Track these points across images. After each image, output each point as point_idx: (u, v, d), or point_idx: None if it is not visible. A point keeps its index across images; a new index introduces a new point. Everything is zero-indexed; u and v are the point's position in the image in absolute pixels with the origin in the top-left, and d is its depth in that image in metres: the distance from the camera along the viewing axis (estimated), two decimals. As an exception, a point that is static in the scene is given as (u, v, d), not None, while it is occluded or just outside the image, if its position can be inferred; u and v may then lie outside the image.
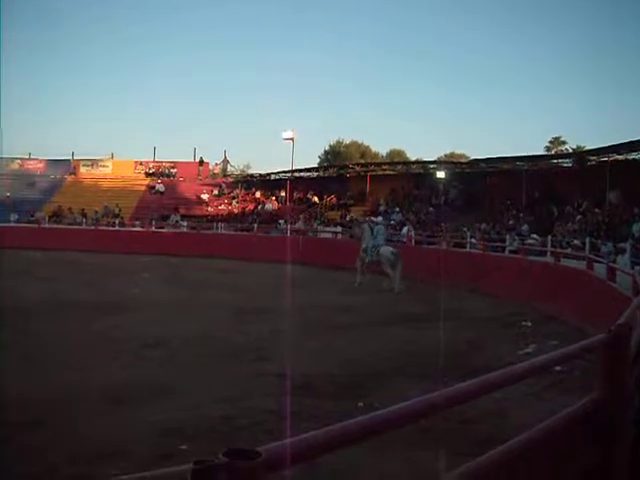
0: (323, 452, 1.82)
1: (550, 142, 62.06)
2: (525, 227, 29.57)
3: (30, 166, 54.00)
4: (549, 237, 23.32)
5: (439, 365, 9.35)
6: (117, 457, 6.59)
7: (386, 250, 22.91)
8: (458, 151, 67.62)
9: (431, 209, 36.99)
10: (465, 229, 30.32)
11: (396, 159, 63.40)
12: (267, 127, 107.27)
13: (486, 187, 36.03)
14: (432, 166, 40.88)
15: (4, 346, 11.85)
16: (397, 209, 38.21)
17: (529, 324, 15.21)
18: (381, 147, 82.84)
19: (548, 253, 21.12)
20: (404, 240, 30.73)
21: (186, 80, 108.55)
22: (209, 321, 14.87)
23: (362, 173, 44.19)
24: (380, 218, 27.81)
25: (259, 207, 45.27)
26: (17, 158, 53.96)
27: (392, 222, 35.87)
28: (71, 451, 6.86)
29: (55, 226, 41.84)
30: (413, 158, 58.60)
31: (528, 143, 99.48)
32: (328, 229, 36.86)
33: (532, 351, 11.76)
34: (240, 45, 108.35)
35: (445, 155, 64.80)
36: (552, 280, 17.96)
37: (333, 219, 39.63)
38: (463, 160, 47.89)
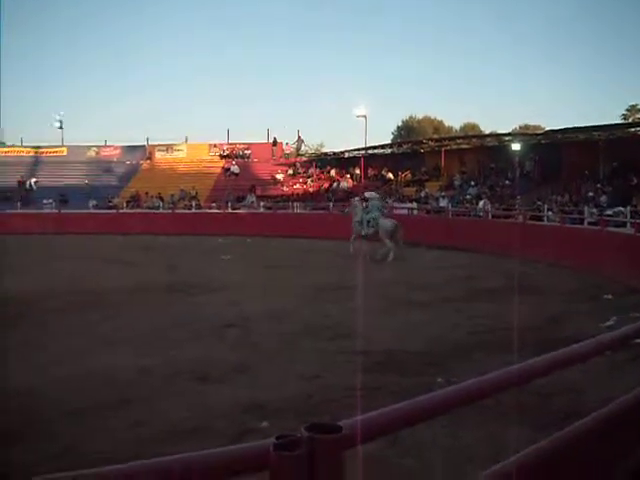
0: (402, 426, 1.84)
1: (627, 110, 60.63)
2: (604, 198, 29.00)
3: (106, 153, 54.86)
4: (628, 208, 22.87)
5: (520, 339, 9.27)
6: (200, 434, 6.72)
7: (385, 222, 23.78)
8: (532, 122, 66.59)
9: (507, 182, 36.50)
10: (541, 202, 29.90)
11: (470, 133, 62.69)
12: (339, 105, 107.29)
13: (562, 158, 35.39)
14: (507, 138, 40.20)
15: (90, 328, 12.19)
16: (472, 183, 37.80)
17: (610, 297, 14.97)
18: (454, 121, 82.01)
19: (628, 224, 20.71)
20: (481, 214, 30.47)
21: (258, 61, 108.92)
22: (288, 300, 14.96)
23: (436, 148, 43.78)
24: (374, 193, 27.68)
25: (334, 185, 45.24)
26: (93, 146, 54.85)
27: (468, 196, 35.56)
28: (156, 428, 7.02)
29: (133, 211, 42.49)
30: (487, 131, 57.83)
31: (603, 112, 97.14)
32: (403, 205, 36.68)
33: (614, 324, 11.56)
34: (311, 25, 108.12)
35: (519, 127, 63.93)
36: (634, 252, 17.60)
37: (408, 195, 39.40)
38: (538, 132, 47.10)
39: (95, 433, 6.92)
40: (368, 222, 24.02)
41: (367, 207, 24.68)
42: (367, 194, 26.95)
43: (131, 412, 7.55)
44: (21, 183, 49.17)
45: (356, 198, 27.74)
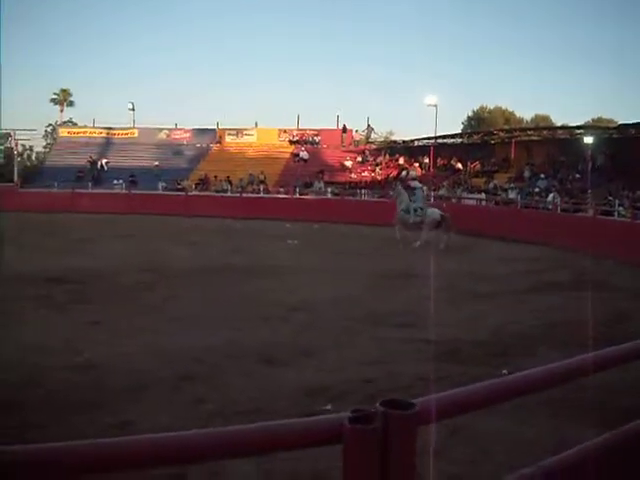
0: (474, 408, 1.86)
1: None
2: (679, 194, 28.44)
3: (177, 136, 55.40)
4: None
5: (584, 334, 9.17)
6: (264, 413, 6.77)
7: (433, 211, 23.97)
8: (606, 116, 65.45)
9: (577, 176, 35.95)
10: (612, 197, 29.41)
11: (541, 124, 61.85)
12: (410, 93, 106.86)
13: (635, 153, 34.70)
14: (579, 131, 39.58)
15: (158, 307, 12.39)
16: (542, 176, 37.31)
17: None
18: (526, 112, 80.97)
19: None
20: (549, 207, 30.11)
21: (328, 48, 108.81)
22: (354, 286, 14.99)
23: (506, 139, 43.34)
24: (417, 182, 27.53)
25: (402, 174, 45.08)
26: (164, 128, 55.44)
27: (537, 189, 35.15)
28: (219, 406, 7.13)
29: (202, 193, 42.87)
30: (559, 123, 56.96)
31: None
32: (472, 196, 36.43)
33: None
34: (384, 14, 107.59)
35: (592, 120, 62.91)
36: None
37: (477, 186, 39.10)
38: (611, 125, 46.26)
39: (157, 408, 7.04)
40: (415, 210, 24.07)
41: (413, 195, 24.81)
42: (412, 183, 26.97)
43: (194, 389, 7.69)
44: (92, 163, 49.93)
45: (400, 186, 27.79)
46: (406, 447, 1.69)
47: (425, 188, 27.45)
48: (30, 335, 10.04)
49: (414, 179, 28.30)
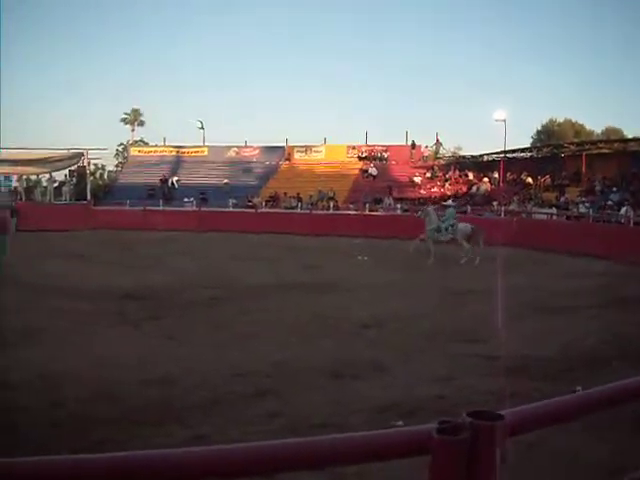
0: (561, 421, 1.85)
1: None
2: None
3: (246, 153, 55.86)
4: None
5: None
6: (335, 428, 6.79)
7: (464, 225, 24.89)
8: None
9: (651, 188, 35.30)
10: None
11: (612, 137, 60.91)
12: (478, 108, 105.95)
13: None
14: (651, 143, 38.96)
15: (228, 322, 12.51)
16: (614, 189, 36.71)
17: None
18: (596, 125, 79.97)
19: None
20: (622, 221, 29.67)
21: (396, 63, 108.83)
22: (421, 302, 14.95)
23: (577, 152, 42.70)
24: (451, 202, 28.14)
25: (472, 189, 44.80)
26: (234, 146, 55.93)
27: (610, 202, 34.61)
28: (291, 421, 7.17)
29: (272, 210, 43.13)
30: (630, 136, 56.03)
31: None
32: (543, 210, 36.04)
33: None
34: (447, 26, 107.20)
35: (665, 132, 61.82)
36: None
37: (548, 200, 38.63)
38: (686, 137, 45.27)
39: (230, 422, 7.11)
40: (446, 229, 24.94)
41: (443, 215, 25.88)
42: (446, 203, 27.39)
43: (266, 404, 7.74)
44: (163, 181, 50.59)
45: (430, 206, 28.77)
46: (495, 459, 1.69)
47: (455, 207, 28.53)
48: (106, 350, 10.22)
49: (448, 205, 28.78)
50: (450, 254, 23.75)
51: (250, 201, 45.51)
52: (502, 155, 45.57)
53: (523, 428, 1.76)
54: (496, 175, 45.35)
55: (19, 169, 42.40)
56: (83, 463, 1.68)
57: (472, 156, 50.41)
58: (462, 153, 57.72)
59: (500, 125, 47.43)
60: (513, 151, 46.02)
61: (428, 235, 25.15)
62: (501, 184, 44.23)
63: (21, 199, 41.95)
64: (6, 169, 42.23)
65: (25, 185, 43.62)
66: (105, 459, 1.68)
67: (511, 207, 37.48)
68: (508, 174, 44.91)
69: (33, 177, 44.13)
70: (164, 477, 1.68)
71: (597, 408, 2.02)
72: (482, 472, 1.69)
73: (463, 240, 24.32)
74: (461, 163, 50.37)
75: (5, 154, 42.00)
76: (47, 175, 43.86)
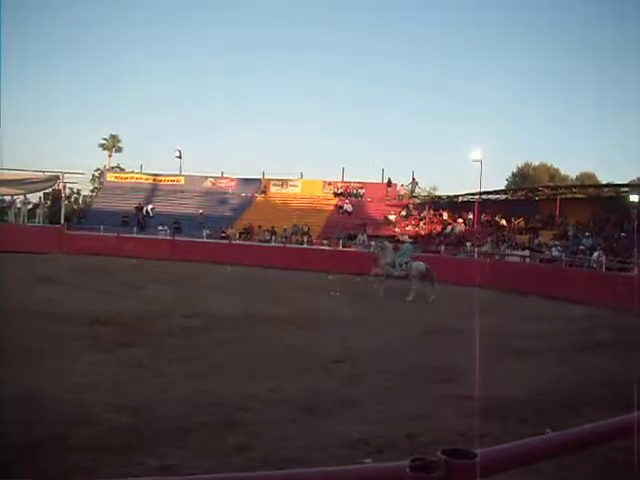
0: (534, 460, 1.89)
1: None
2: None
3: (222, 184, 55.97)
4: None
5: (633, 397, 9.04)
6: (306, 464, 6.78)
7: (418, 264, 25.14)
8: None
9: (622, 234, 35.63)
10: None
11: (587, 182, 61.51)
12: (455, 149, 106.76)
13: (683, 212, 34.32)
14: (624, 189, 39.34)
15: (200, 353, 12.48)
16: (587, 234, 37.05)
17: None
18: (571, 170, 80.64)
19: None
20: (594, 266, 29.92)
21: (374, 102, 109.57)
22: (395, 339, 14.99)
23: (551, 196, 43.14)
24: (407, 237, 28.86)
25: (446, 229, 45.04)
26: (210, 176, 56.03)
27: (582, 247, 34.91)
28: (260, 454, 7.15)
29: (246, 242, 43.15)
30: (604, 182, 56.57)
31: None
32: (516, 253, 36.29)
33: None
34: (428, 64, 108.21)
35: (638, 178, 62.47)
36: None
37: (521, 242, 38.91)
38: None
39: (201, 453, 7.08)
40: (400, 265, 25.26)
41: (399, 250, 26.38)
42: (402, 238, 28.03)
43: (238, 436, 7.70)
44: (138, 209, 50.52)
45: (386, 241, 29.10)
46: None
47: (411, 245, 29.02)
48: (77, 375, 10.17)
49: (403, 236, 29.17)
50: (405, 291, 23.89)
51: (224, 232, 45.53)
52: (477, 196, 45.88)
53: (496, 468, 1.80)
54: (471, 216, 45.64)
55: (-7, 189, 42.24)
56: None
57: (447, 196, 50.76)
58: (438, 193, 58.20)
59: (477, 166, 47.82)
60: (488, 192, 46.36)
61: (384, 269, 25.57)
62: (475, 225, 44.51)
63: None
64: (-20, 188, 42.06)
65: (-1, 206, 43.44)
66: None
67: (484, 248, 37.69)
68: (482, 215, 45.21)
69: (7, 198, 43.85)
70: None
71: (569, 450, 2.06)
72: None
73: (416, 278, 24.63)
74: (436, 203, 50.67)
75: (-20, 174, 41.85)
76: (21, 197, 43.68)
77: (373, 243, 33.42)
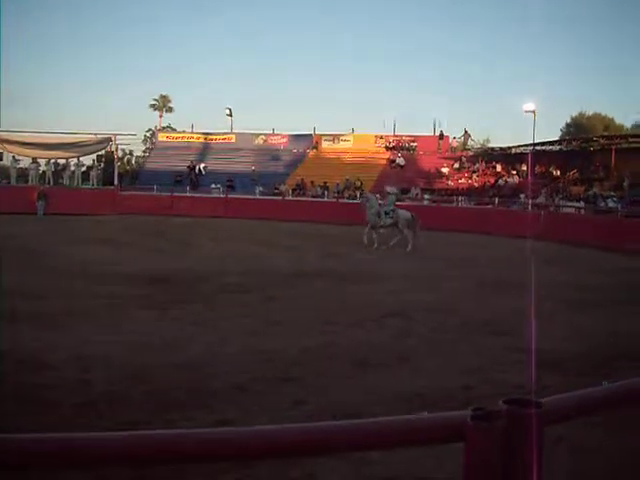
0: (598, 410, 1.82)
1: None
2: None
3: (274, 141, 55.90)
4: None
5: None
6: (362, 417, 6.76)
7: (404, 212, 25.70)
8: None
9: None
10: None
11: (642, 131, 60.21)
12: (507, 100, 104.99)
13: None
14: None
15: (256, 308, 12.54)
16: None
17: None
18: (626, 119, 79.30)
19: None
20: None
21: (426, 54, 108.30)
22: (450, 293, 14.90)
23: (606, 146, 42.40)
24: (394, 188, 28.65)
25: (499, 181, 44.59)
26: (262, 133, 55.95)
27: (638, 198, 34.32)
28: (316, 408, 7.16)
29: (298, 198, 43.17)
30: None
31: None
32: (570, 204, 35.83)
33: None
34: (479, 17, 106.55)
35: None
36: None
37: (576, 194, 38.39)
38: None
39: (257, 408, 7.11)
40: (387, 213, 25.51)
41: (384, 200, 26.79)
42: (388, 189, 28.54)
43: (293, 391, 7.73)
44: (191, 168, 50.74)
45: (369, 192, 30.39)
46: (531, 448, 1.67)
47: (397, 194, 29.23)
48: (135, 333, 10.29)
49: (391, 187, 29.29)
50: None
51: (277, 189, 45.56)
52: (531, 148, 45.28)
53: (559, 418, 1.74)
54: (524, 168, 45.09)
55: (48, 153, 42.72)
56: (100, 441, 1.69)
57: (500, 148, 50.15)
58: (491, 145, 57.47)
59: (529, 117, 47.12)
60: (542, 144, 45.72)
61: (369, 220, 25.86)
62: (529, 177, 43.97)
63: (49, 183, 42.23)
64: (35, 152, 42.56)
65: (53, 169, 43.83)
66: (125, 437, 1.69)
67: (539, 200, 37.27)
68: (536, 167, 44.61)
69: (61, 161, 44.30)
70: (189, 455, 1.68)
71: (630, 402, 1.99)
72: (518, 460, 1.67)
73: (404, 227, 25.00)
74: (489, 155, 50.12)
75: (34, 138, 42.30)
76: (75, 159, 44.11)
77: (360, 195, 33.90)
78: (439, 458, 5.03)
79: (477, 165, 48.48)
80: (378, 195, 28.51)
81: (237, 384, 7.87)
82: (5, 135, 42.47)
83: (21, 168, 44.42)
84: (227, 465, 5.01)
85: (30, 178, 43.09)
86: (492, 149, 52.14)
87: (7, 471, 1.63)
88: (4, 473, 1.62)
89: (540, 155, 45.16)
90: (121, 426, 6.20)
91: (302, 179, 48.05)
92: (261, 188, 44.68)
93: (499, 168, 46.78)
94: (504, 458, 1.67)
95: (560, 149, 46.04)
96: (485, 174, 47.09)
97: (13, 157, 43.83)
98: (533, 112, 46.81)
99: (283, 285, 15.35)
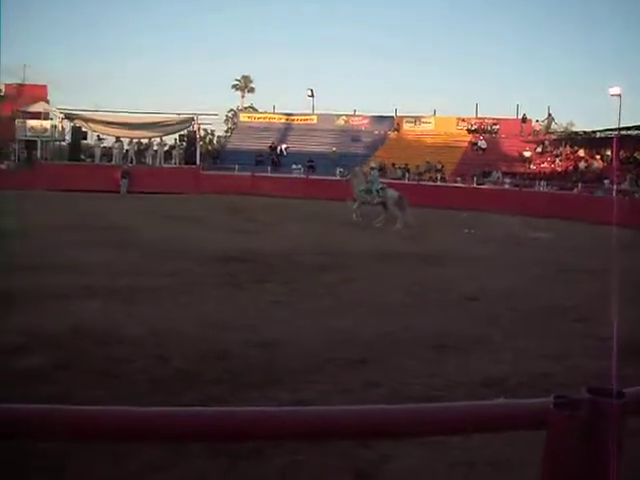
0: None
1: None
2: None
3: (355, 122, 55.76)
4: None
5: None
6: (436, 402, 6.74)
7: (392, 192, 25.83)
8: None
9: None
10: None
11: None
12: (591, 83, 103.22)
13: None
14: None
15: (332, 289, 12.57)
16: None
17: None
18: None
19: None
20: None
21: (508, 35, 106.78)
22: (529, 278, 14.66)
23: (698, 131, 41.30)
24: (374, 165, 31.80)
25: (583, 166, 43.79)
26: (343, 114, 55.88)
27: None
28: (390, 391, 7.15)
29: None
30: None
31: None
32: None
33: None
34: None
35: None
36: None
37: (663, 180, 37.49)
38: None
39: (332, 389, 7.14)
40: (378, 191, 25.85)
41: (368, 178, 27.21)
42: (372, 164, 30.48)
43: (368, 372, 7.74)
44: (272, 148, 51.00)
45: (357, 168, 30.58)
46: (614, 438, 1.64)
47: (378, 171, 30.55)
48: (213, 311, 10.43)
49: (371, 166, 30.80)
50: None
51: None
52: (616, 132, 44.30)
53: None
54: (609, 152, 44.15)
55: (131, 132, 43.47)
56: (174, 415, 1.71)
57: (584, 132, 49.19)
58: (574, 129, 56.46)
59: (615, 100, 46.09)
60: (628, 128, 44.66)
61: (357, 196, 26.18)
62: (614, 162, 43.07)
63: (132, 162, 42.94)
64: (118, 132, 43.30)
65: (136, 148, 44.53)
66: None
67: (623, 186, 36.52)
68: (621, 152, 43.65)
69: (144, 140, 45.00)
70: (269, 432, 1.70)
71: None
72: (601, 450, 1.64)
73: (394, 206, 25.20)
74: (573, 139, 49.20)
75: (118, 117, 43.10)
76: (158, 139, 44.77)
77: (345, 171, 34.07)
78: (516, 444, 4.98)
79: (560, 149, 47.64)
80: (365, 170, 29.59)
81: (312, 364, 7.91)
82: (90, 115, 43.39)
83: (105, 147, 45.21)
84: (298, 445, 5.04)
85: (114, 157, 43.82)
86: (576, 133, 51.17)
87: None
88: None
89: (625, 140, 44.09)
90: (197, 403, 6.28)
91: (383, 161, 47.86)
92: (341, 169, 44.69)
93: (582, 152, 45.89)
94: (584, 447, 1.64)
95: (646, 134, 44.95)
96: (568, 158, 46.25)
97: (97, 136, 44.69)
98: (619, 96, 45.81)
99: (362, 266, 15.35)
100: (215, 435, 1.77)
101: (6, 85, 51.88)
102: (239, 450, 5.14)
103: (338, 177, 42.07)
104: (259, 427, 1.66)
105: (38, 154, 43.50)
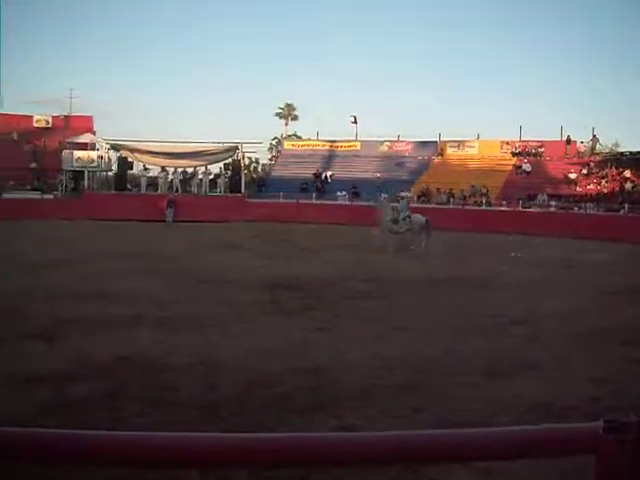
0: None
1: None
2: None
3: (398, 148, 55.72)
4: None
5: None
6: (481, 426, 6.67)
7: (418, 217, 25.82)
8: None
9: None
10: None
11: None
12: (636, 102, 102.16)
13: None
14: None
15: (379, 316, 12.55)
16: None
17: None
18: None
19: None
20: None
21: (554, 57, 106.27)
22: (575, 300, 14.51)
23: None
24: (405, 192, 29.99)
25: (629, 186, 43.30)
26: (386, 140, 55.91)
27: None
28: (436, 416, 7.12)
29: (423, 205, 42.92)
30: None
31: None
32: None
33: None
34: (604, 15, 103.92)
35: None
36: None
37: None
38: None
39: (379, 414, 7.12)
40: (404, 219, 25.90)
41: (397, 206, 27.00)
42: (402, 194, 28.95)
43: (414, 398, 7.71)
44: (317, 175, 51.15)
45: (385, 196, 31.06)
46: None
47: (409, 197, 30.59)
48: (259, 339, 10.47)
49: (403, 192, 30.27)
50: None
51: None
52: (663, 152, 43.82)
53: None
54: (656, 173, 43.65)
55: (176, 162, 43.91)
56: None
57: (630, 152, 48.69)
58: (619, 149, 55.92)
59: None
60: (675, 149, 44.17)
61: (384, 226, 26.17)
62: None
63: (177, 191, 43.30)
64: (164, 161, 43.77)
65: (182, 177, 44.90)
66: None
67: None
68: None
69: (189, 170, 45.36)
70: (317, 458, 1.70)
71: None
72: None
73: (418, 231, 25.26)
74: (618, 160, 48.71)
75: (163, 147, 43.57)
76: (203, 168, 45.12)
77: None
78: (563, 469, 4.92)
79: (606, 170, 47.17)
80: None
81: (358, 390, 7.92)
82: (135, 145, 43.88)
83: (150, 177, 45.69)
84: (345, 471, 5.03)
85: (159, 186, 44.24)
86: (621, 154, 50.66)
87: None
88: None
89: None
90: (247, 428, 6.30)
91: (427, 186, 47.78)
92: (386, 195, 44.66)
93: (628, 173, 45.40)
94: (634, 470, 1.62)
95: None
96: (614, 179, 45.78)
97: (143, 166, 45.24)
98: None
99: (408, 292, 15.33)
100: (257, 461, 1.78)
101: (53, 117, 52.75)
102: (281, 475, 5.12)
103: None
104: (303, 453, 1.67)
105: (85, 184, 44.04)
